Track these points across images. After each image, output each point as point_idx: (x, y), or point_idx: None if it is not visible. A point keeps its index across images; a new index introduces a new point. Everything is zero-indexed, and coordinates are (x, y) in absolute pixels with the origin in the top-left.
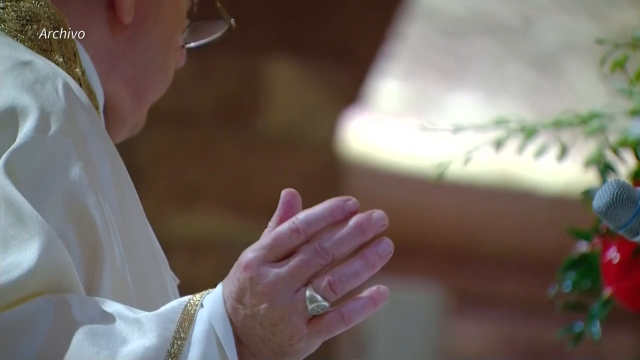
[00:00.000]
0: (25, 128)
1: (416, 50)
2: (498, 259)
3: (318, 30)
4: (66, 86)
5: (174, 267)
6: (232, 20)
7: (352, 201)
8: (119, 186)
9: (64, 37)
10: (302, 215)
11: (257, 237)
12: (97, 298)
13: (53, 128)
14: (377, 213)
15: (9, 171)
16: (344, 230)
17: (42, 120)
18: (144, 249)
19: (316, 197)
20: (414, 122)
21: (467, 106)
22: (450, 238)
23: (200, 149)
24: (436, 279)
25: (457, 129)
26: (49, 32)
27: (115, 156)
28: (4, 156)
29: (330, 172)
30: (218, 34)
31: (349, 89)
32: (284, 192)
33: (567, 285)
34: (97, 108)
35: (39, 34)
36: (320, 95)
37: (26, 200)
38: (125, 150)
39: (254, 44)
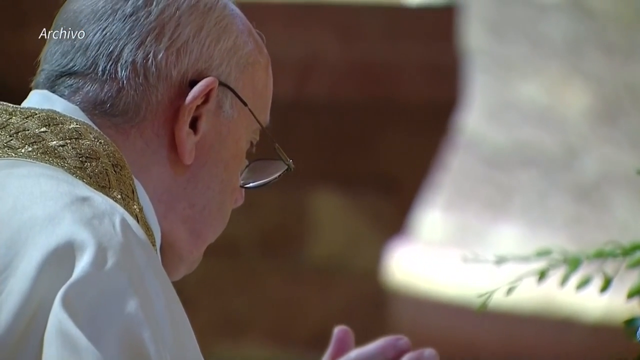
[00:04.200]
0: (83, 262)
1: (458, 180)
2: None
3: (362, 160)
4: (123, 222)
5: None
6: (291, 162)
7: (403, 340)
8: (175, 322)
9: (123, 175)
10: (354, 354)
11: None
12: None
13: (110, 263)
14: (429, 352)
15: (67, 305)
16: None
17: (99, 255)
18: None
19: (361, 327)
20: (457, 253)
21: (510, 238)
22: None
23: (245, 280)
24: None
25: (500, 261)
26: (108, 170)
27: (171, 292)
28: (62, 290)
29: (374, 302)
30: (277, 175)
31: (393, 220)
32: (336, 330)
33: None
34: (153, 245)
35: (98, 171)
36: (364, 226)
37: (82, 334)
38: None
39: (298, 175)
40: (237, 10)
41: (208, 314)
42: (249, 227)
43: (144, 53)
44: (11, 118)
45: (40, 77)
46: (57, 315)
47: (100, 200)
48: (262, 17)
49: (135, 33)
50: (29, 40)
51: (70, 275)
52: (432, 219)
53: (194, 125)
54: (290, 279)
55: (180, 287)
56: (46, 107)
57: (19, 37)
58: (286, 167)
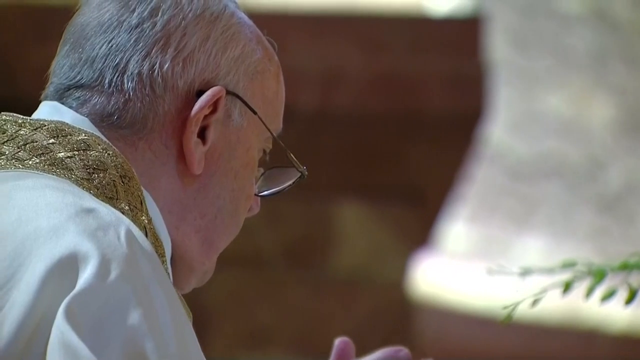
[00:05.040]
0: (86, 274)
1: (483, 192)
2: None
3: (387, 172)
4: (129, 233)
5: None
6: (305, 169)
7: (404, 352)
8: (180, 333)
9: (131, 186)
10: None
11: None
12: None
13: (113, 274)
14: None
15: (70, 316)
16: None
17: (102, 266)
18: None
19: (385, 338)
20: (482, 265)
21: (534, 250)
22: None
23: (270, 291)
24: None
25: (525, 273)
26: (116, 181)
27: (177, 304)
28: (65, 301)
29: (399, 314)
30: (291, 182)
31: (418, 231)
32: (337, 341)
33: None
34: (162, 256)
35: (105, 182)
36: (388, 237)
37: (85, 346)
38: (195, 292)
39: (323, 186)
40: (246, 18)
41: (233, 325)
42: (273, 239)
43: (149, 64)
44: (20, 129)
45: (49, 89)
46: (60, 327)
47: (105, 211)
48: (287, 29)
49: (141, 44)
50: (52, 55)
51: (74, 286)
52: (456, 230)
53: (203, 135)
54: (315, 290)
55: (205, 299)
56: (56, 118)
57: (42, 51)
58: (299, 174)
